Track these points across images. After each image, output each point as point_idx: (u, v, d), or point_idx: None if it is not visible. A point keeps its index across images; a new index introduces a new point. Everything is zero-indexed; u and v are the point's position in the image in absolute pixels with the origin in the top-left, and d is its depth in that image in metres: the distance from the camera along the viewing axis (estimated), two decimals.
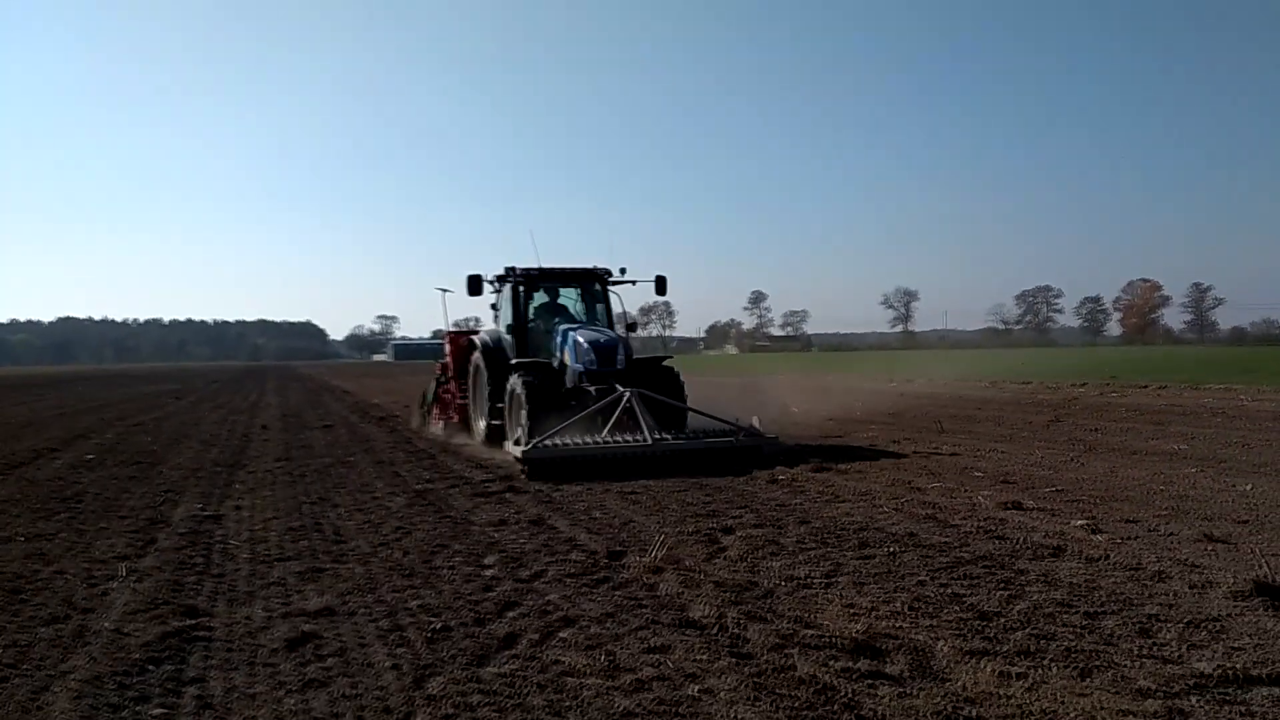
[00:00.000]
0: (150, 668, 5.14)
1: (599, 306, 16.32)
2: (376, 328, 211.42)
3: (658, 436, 12.17)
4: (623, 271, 16.13)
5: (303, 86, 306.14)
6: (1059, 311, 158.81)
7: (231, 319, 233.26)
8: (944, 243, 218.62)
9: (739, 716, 4.32)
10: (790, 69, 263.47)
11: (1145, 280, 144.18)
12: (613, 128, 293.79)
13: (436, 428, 18.49)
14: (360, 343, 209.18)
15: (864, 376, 41.35)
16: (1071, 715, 4.20)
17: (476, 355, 16.14)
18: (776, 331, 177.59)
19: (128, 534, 8.85)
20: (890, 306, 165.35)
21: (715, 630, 5.56)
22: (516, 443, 12.13)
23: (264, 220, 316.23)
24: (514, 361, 14.71)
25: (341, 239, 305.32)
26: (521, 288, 15.89)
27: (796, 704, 4.44)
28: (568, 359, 14.28)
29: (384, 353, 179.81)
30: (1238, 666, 4.68)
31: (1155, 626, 5.45)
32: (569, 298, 16.70)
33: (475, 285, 15.84)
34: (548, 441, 11.81)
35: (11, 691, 4.79)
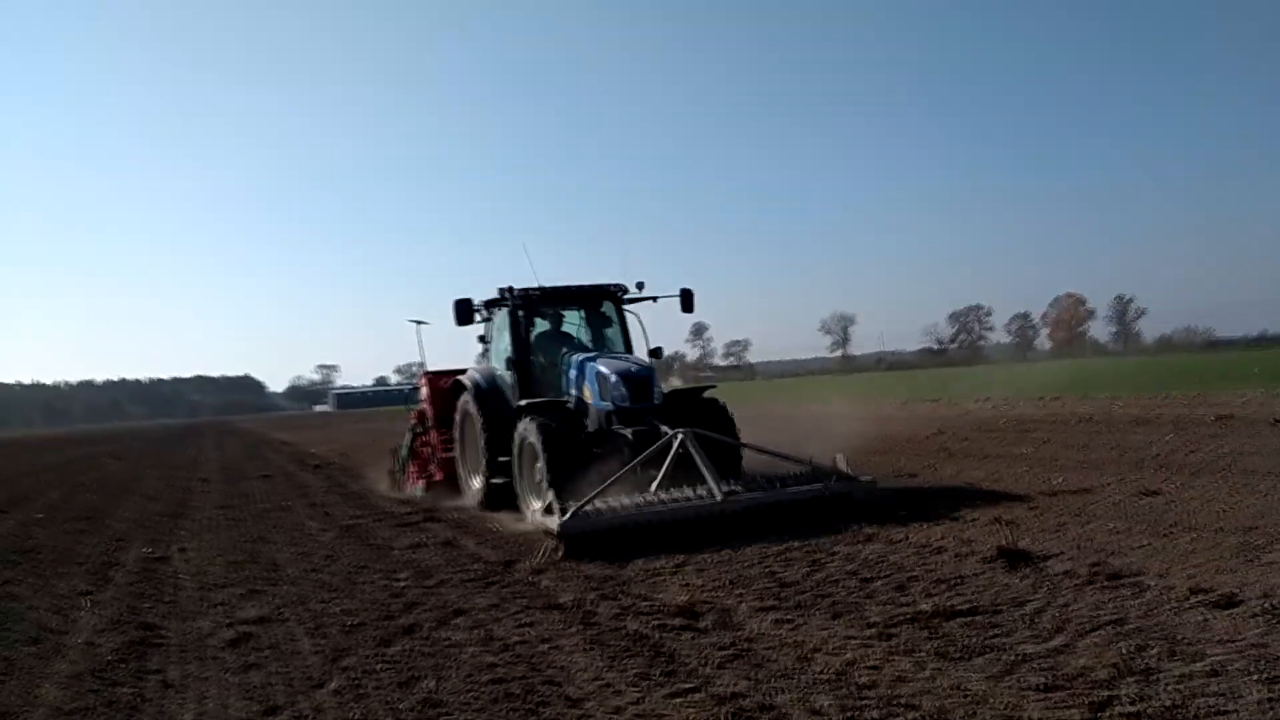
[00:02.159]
0: (119, 665, 6.48)
1: (608, 331, 13.61)
2: (317, 377, 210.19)
3: (728, 489, 9.59)
4: (640, 287, 13.22)
5: (233, 132, 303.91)
6: (990, 329, 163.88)
7: (167, 376, 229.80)
8: (876, 267, 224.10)
9: (575, 661, 5.82)
10: (716, 100, 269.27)
11: (1070, 294, 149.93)
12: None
13: (414, 489, 15.31)
14: (301, 394, 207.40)
15: (874, 401, 42.84)
16: (813, 643, 5.77)
17: (466, 399, 13.16)
18: (719, 362, 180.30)
19: (85, 575, 10.05)
20: (828, 332, 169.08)
21: (574, 609, 7.07)
22: (549, 511, 9.19)
23: (198, 272, 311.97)
24: (524, 403, 11.82)
25: (278, 287, 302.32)
26: (521, 312, 12.97)
27: (619, 648, 5.97)
28: (589, 396, 11.68)
29: (325, 403, 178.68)
30: (948, 606, 6.30)
31: (910, 584, 7.07)
32: (571, 324, 13.77)
33: (465, 311, 12.89)
34: (589, 507, 9.15)
35: (11, 688, 6.10)
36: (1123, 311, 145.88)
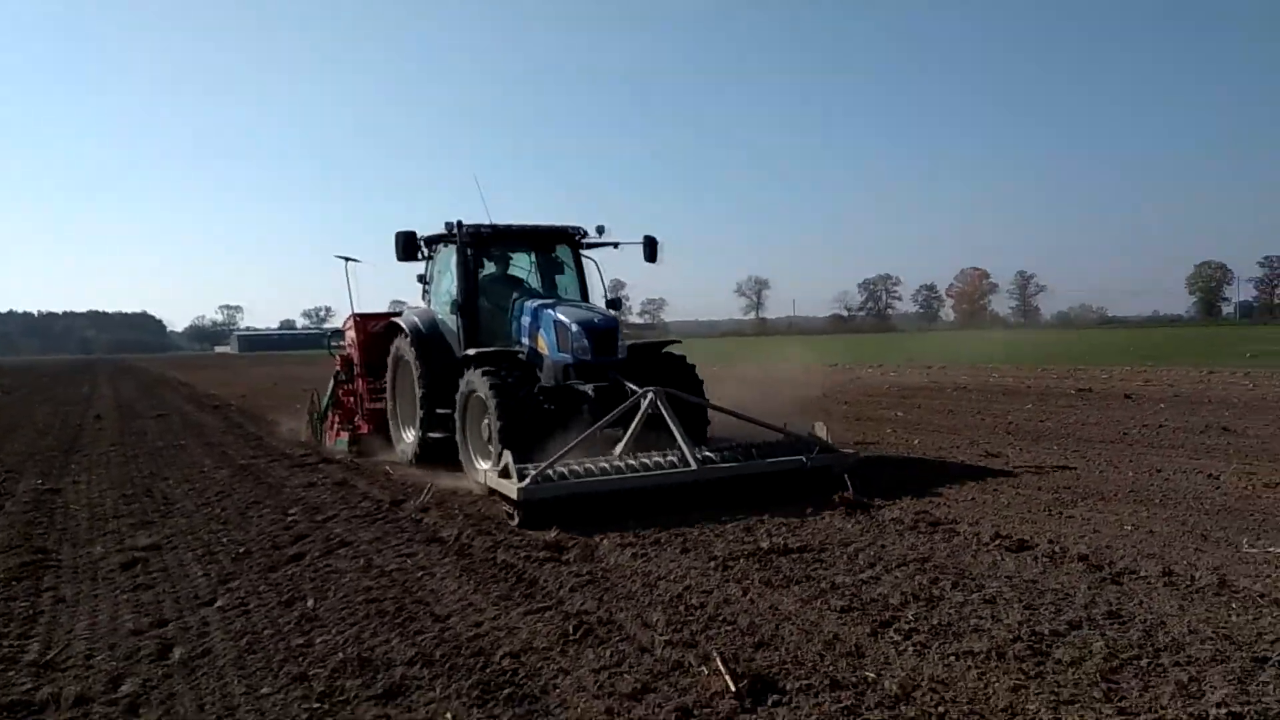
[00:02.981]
0: (14, 583, 6.86)
1: (560, 277, 12.52)
2: (220, 318, 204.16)
3: (702, 457, 8.80)
4: (600, 231, 12.16)
5: (133, 51, 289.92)
6: (898, 299, 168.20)
7: (59, 310, 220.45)
8: (791, 233, 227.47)
9: (445, 586, 6.43)
10: (646, 60, 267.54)
11: (975, 268, 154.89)
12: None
13: (337, 442, 14.15)
14: (202, 334, 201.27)
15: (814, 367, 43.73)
16: (659, 573, 6.48)
17: (402, 345, 12.07)
18: (635, 320, 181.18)
19: None
20: (743, 294, 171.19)
21: (452, 543, 7.66)
22: (505, 474, 8.26)
23: (96, 203, 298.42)
24: (472, 352, 10.57)
25: (181, 221, 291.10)
26: (470, 251, 11.64)
27: (487, 575, 6.60)
28: (544, 347, 10.62)
29: (227, 344, 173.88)
30: (784, 544, 7.08)
31: (756, 526, 7.84)
32: (520, 267, 12.64)
33: (409, 245, 11.86)
34: (552, 471, 8.23)
35: None
36: (1024, 287, 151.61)
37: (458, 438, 10.73)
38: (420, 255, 12.30)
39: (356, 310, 13.91)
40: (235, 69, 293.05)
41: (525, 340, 11.03)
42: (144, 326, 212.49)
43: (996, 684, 4.39)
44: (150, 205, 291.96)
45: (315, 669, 4.92)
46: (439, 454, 11.26)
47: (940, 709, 4.15)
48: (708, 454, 8.98)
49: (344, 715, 4.34)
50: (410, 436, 12.15)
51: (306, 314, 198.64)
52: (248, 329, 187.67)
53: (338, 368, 14.61)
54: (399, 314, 12.98)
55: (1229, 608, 5.37)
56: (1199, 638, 4.88)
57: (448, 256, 12.14)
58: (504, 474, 8.30)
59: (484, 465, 9.84)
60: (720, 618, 5.48)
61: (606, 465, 8.59)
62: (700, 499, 8.53)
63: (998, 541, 6.98)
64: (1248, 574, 5.99)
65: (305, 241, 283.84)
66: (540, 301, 11.18)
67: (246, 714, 4.42)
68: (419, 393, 11.48)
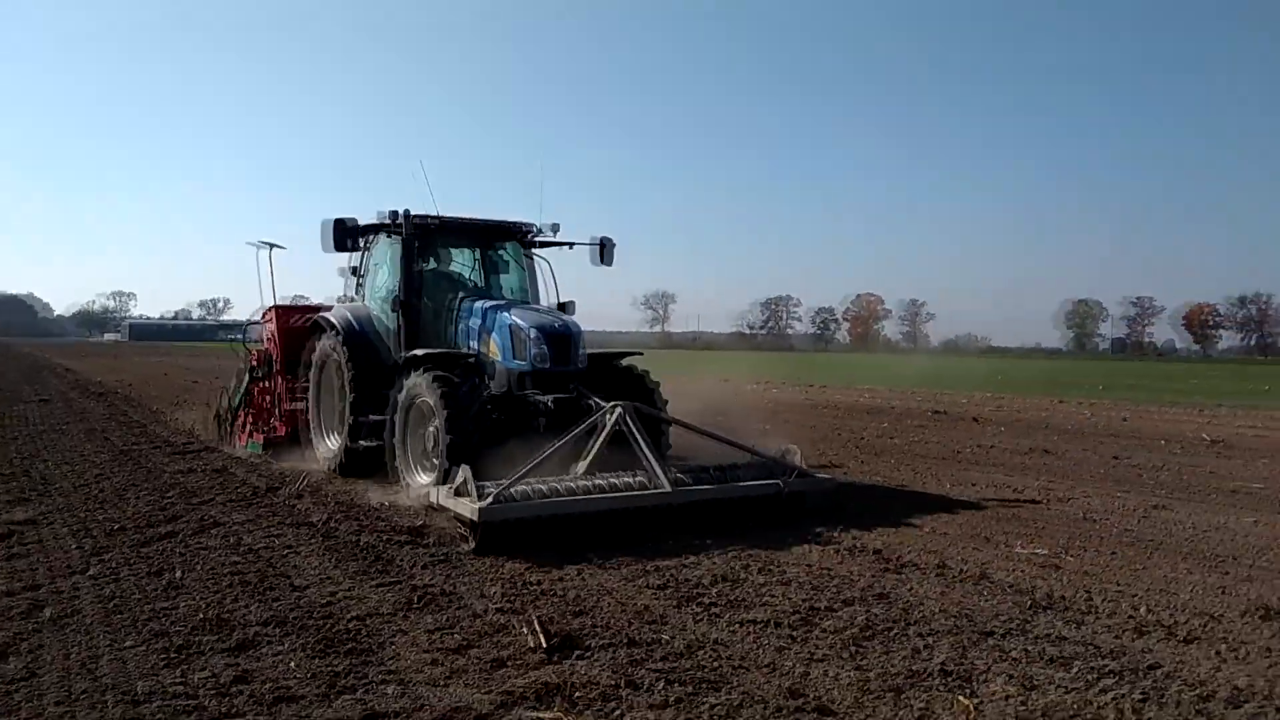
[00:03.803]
0: None
1: (503, 277, 11.75)
2: (110, 304, 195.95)
3: (674, 479, 8.20)
4: (555, 229, 11.38)
5: (27, 42, 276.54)
6: (797, 319, 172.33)
7: None
8: (695, 249, 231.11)
9: (308, 562, 7.02)
10: (547, 75, 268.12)
11: (869, 294, 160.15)
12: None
13: (248, 444, 13.05)
14: (89, 320, 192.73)
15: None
16: (508, 555, 7.19)
17: (330, 343, 11.14)
18: None
19: None
20: (649, 308, 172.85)
21: (319, 526, 8.23)
22: (459, 492, 7.49)
23: None
24: (419, 353, 9.75)
25: (71, 199, 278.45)
26: (416, 243, 10.74)
27: (348, 554, 7.22)
28: (494, 352, 9.93)
29: (117, 332, 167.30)
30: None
31: None
32: (462, 264, 11.89)
33: (345, 234, 10.56)
34: (514, 490, 7.51)
35: None
36: (915, 314, 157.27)
37: (394, 448, 9.77)
38: (354, 246, 11.16)
39: (275, 302, 12.95)
40: (127, 41, 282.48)
41: (472, 344, 10.29)
42: (24, 308, 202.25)
43: (766, 645, 5.25)
44: (39, 183, 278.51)
45: (176, 627, 5.48)
46: (365, 465, 10.43)
47: (715, 663, 4.97)
48: (679, 475, 8.32)
49: (197, 664, 4.91)
50: (334, 444, 11.15)
51: (203, 304, 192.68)
52: (140, 317, 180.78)
53: (252, 363, 13.32)
54: (326, 308, 12.13)
55: (980, 594, 6.36)
56: (946, 615, 5.83)
57: (385, 248, 11.27)
58: (460, 491, 7.46)
59: (424, 479, 9.24)
60: (552, 593, 6.23)
61: (572, 485, 7.88)
62: (673, 523, 7.95)
63: (808, 537, 7.91)
64: (1007, 569, 7.02)
65: (203, 229, 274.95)
66: (491, 302, 10.46)
67: (108, 662, 4.95)
68: (348, 397, 10.55)
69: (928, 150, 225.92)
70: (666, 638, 5.34)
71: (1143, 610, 5.94)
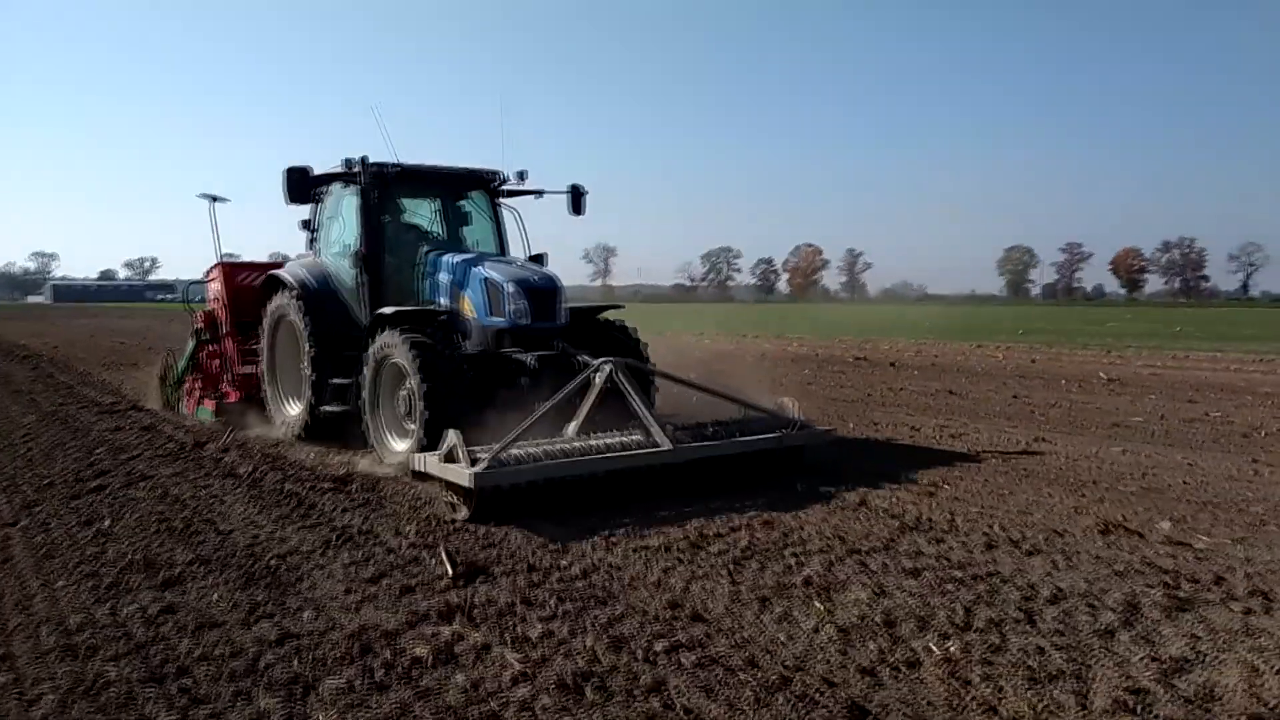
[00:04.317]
0: None
1: (466, 229, 11.16)
2: (31, 265, 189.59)
3: (674, 435, 7.80)
4: (522, 177, 10.79)
5: None
6: (738, 271, 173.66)
7: None
8: (637, 202, 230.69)
9: (234, 510, 7.38)
10: (490, 29, 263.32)
11: (809, 245, 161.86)
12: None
13: (198, 411, 12.41)
14: (11, 282, 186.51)
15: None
16: (426, 497, 7.63)
17: (285, 302, 10.51)
18: None
19: None
20: (590, 261, 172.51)
21: (246, 477, 8.58)
22: (449, 457, 7.01)
23: None
24: (388, 310, 9.22)
25: None
26: (376, 193, 10.08)
27: (272, 502, 7.60)
28: (468, 309, 9.43)
29: (40, 294, 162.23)
30: None
31: None
32: (421, 215, 11.31)
33: (302, 184, 10.09)
34: (506, 454, 7.01)
35: None
36: (853, 264, 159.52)
37: (364, 412, 9.24)
38: (313, 197, 10.72)
39: (222, 259, 12.26)
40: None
41: (443, 300, 9.72)
42: None
43: (655, 567, 5.79)
44: None
45: (105, 569, 5.84)
46: (331, 430, 10.01)
47: (606, 583, 5.50)
48: (678, 433, 7.93)
49: (126, 599, 5.29)
50: (294, 410, 10.68)
51: (129, 264, 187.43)
52: (63, 278, 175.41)
53: (198, 324, 12.60)
54: (278, 265, 11.56)
55: (857, 518, 6.98)
56: (821, 537, 6.43)
57: (340, 199, 10.64)
58: (450, 457, 7.00)
59: (399, 445, 8.87)
60: (463, 529, 6.71)
61: (567, 447, 7.43)
62: (674, 482, 7.72)
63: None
64: (884, 497, 7.65)
65: (129, 184, 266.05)
66: (463, 256, 9.85)
67: (41, 601, 5.31)
68: (307, 359, 10.03)
69: (866, 102, 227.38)
70: (565, 564, 5.86)
71: (996, 528, 6.61)
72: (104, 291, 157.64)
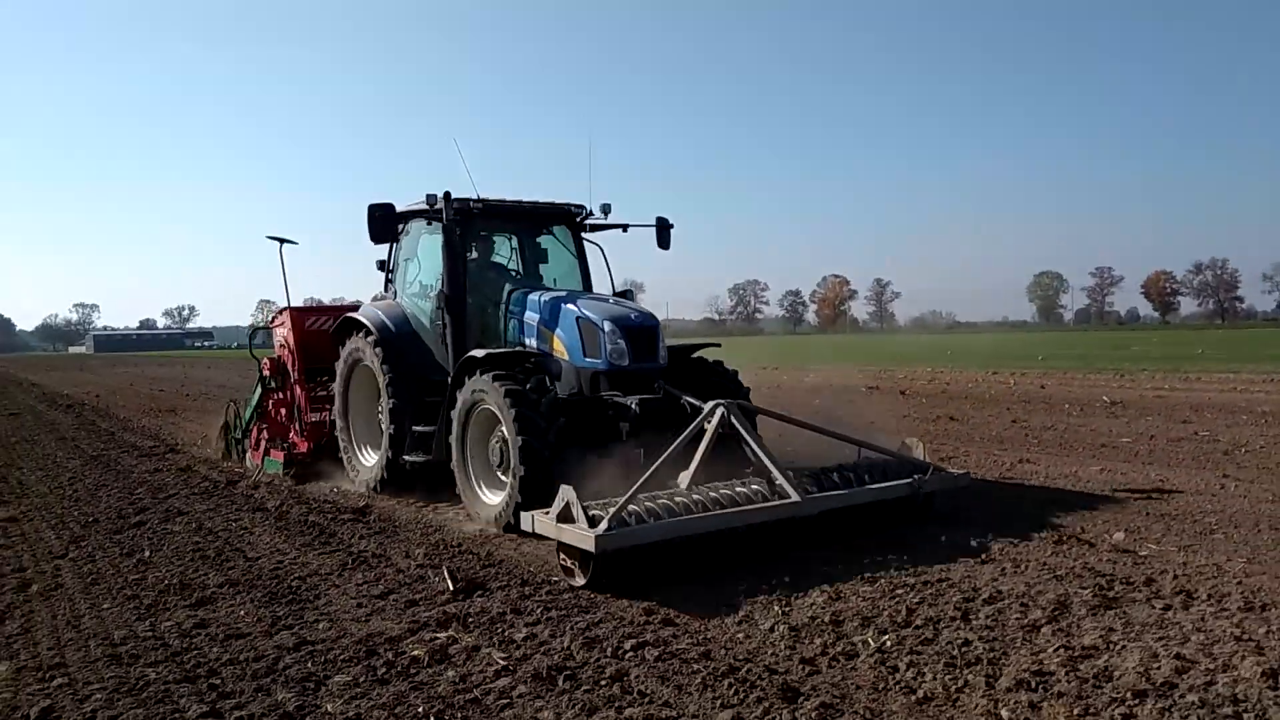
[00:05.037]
0: None
1: (544, 266, 10.65)
2: (74, 317, 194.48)
3: (807, 488, 7.15)
4: (606, 211, 10.26)
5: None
6: (766, 303, 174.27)
7: None
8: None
9: (261, 539, 8.07)
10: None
11: (836, 276, 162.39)
12: None
13: (266, 463, 11.88)
14: (54, 334, 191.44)
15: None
16: (438, 523, 8.27)
17: (362, 345, 10.11)
18: None
19: None
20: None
21: (273, 511, 9.28)
22: (564, 517, 6.30)
23: None
24: (480, 353, 8.59)
25: (30, 210, 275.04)
26: (459, 230, 9.54)
27: (296, 531, 8.28)
28: (560, 349, 8.88)
29: (82, 344, 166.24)
30: None
31: None
32: (500, 252, 10.74)
33: (387, 223, 9.48)
34: (626, 512, 6.30)
35: None
36: (880, 294, 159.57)
37: (452, 463, 8.72)
38: (395, 235, 10.10)
39: (290, 304, 12.03)
40: (83, 43, 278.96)
41: (530, 340, 9.21)
42: None
43: (637, 579, 6.36)
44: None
45: (145, 593, 6.52)
46: (413, 481, 9.66)
47: (591, 596, 6.08)
48: (800, 480, 7.20)
49: (164, 617, 5.95)
50: (371, 459, 10.28)
51: (168, 313, 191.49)
52: (104, 328, 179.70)
53: (265, 371, 12.13)
54: (350, 308, 11.15)
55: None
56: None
57: (419, 238, 10.33)
58: (564, 516, 6.32)
59: (492, 499, 8.34)
60: (466, 550, 7.34)
61: (687, 501, 6.68)
62: (800, 536, 7.11)
63: None
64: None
65: (166, 234, 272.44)
66: (552, 294, 9.36)
67: (89, 620, 5.99)
68: (388, 405, 9.65)
69: (894, 135, 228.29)
70: (555, 579, 6.46)
71: (957, 538, 7.12)
72: (144, 340, 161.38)
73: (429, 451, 9.23)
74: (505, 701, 4.43)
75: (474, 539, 7.75)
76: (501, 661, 4.89)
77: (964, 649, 4.86)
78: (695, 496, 6.78)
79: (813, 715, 4.15)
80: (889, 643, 4.96)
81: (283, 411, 11.96)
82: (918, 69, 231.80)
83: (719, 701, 4.32)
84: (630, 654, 4.96)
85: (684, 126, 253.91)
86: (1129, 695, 4.22)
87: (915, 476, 7.71)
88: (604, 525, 6.03)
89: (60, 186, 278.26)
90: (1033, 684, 4.38)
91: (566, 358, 8.83)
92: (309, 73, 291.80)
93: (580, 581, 6.26)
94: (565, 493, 6.33)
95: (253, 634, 5.54)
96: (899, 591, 5.86)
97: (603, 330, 8.53)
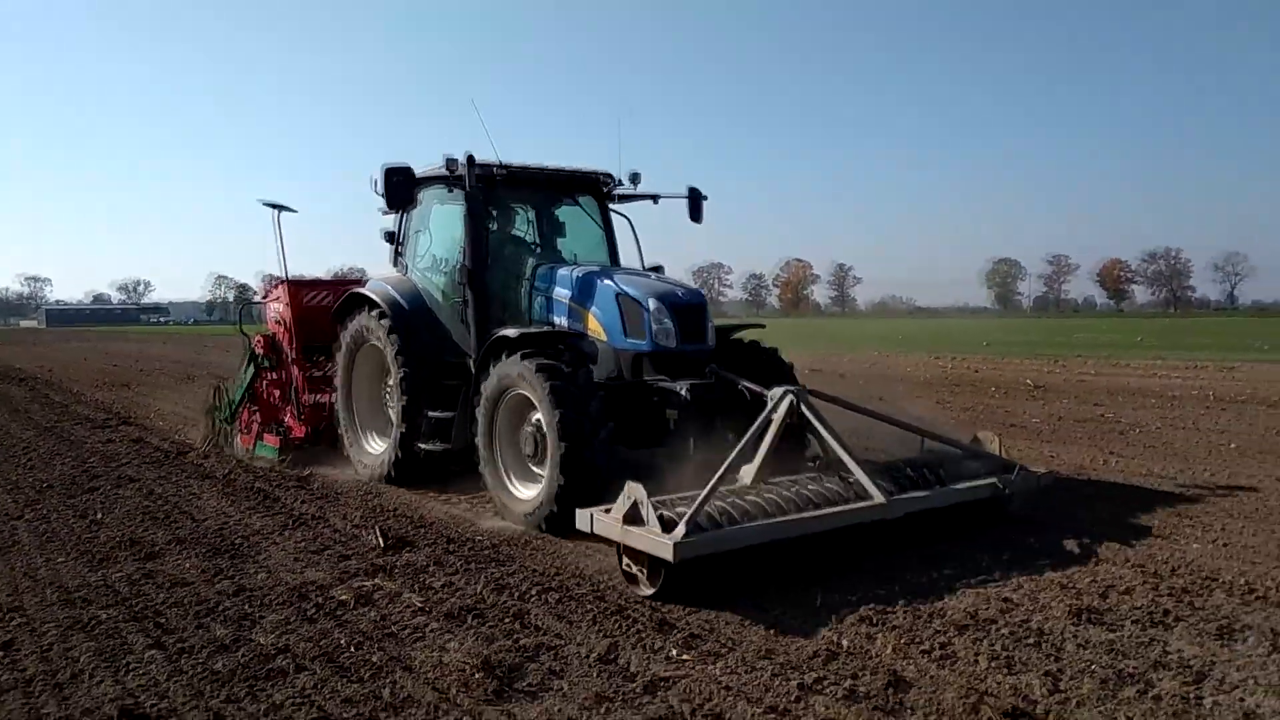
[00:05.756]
0: None
1: (572, 240, 9.80)
2: (24, 290, 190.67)
3: (889, 489, 6.45)
4: (635, 180, 9.48)
5: None
6: (729, 286, 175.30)
7: None
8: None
9: (208, 503, 8.59)
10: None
11: (798, 260, 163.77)
12: None
13: (256, 448, 11.02)
14: (3, 307, 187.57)
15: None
16: (376, 491, 8.84)
17: (369, 322, 9.43)
18: None
19: None
20: None
21: (221, 478, 9.78)
22: (632, 518, 5.68)
23: None
24: (510, 333, 7.82)
25: None
26: (481, 198, 8.85)
27: (243, 497, 8.82)
28: (598, 330, 8.15)
29: (34, 319, 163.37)
30: None
31: None
32: (521, 225, 9.74)
33: (404, 187, 8.77)
34: (701, 515, 5.61)
35: None
36: (842, 278, 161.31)
37: (479, 454, 8.01)
38: (410, 202, 9.35)
39: (287, 275, 10.96)
40: (46, 16, 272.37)
41: (560, 319, 8.43)
42: None
43: (547, 537, 6.99)
44: None
45: (97, 548, 7.03)
46: (428, 472, 9.01)
47: (510, 551, 6.70)
48: (880, 480, 6.48)
49: (114, 569, 6.48)
50: (378, 447, 9.67)
51: (122, 287, 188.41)
52: (56, 303, 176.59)
53: (257, 349, 11.17)
54: (354, 282, 10.57)
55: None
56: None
57: (432, 207, 9.50)
58: (631, 518, 5.71)
59: (525, 492, 7.64)
60: (402, 514, 7.93)
61: (758, 500, 6.04)
62: (878, 541, 6.48)
63: None
64: None
65: (114, 203, 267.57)
66: (585, 268, 8.56)
67: (44, 572, 6.49)
68: (400, 390, 8.92)
69: (857, 121, 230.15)
70: (479, 537, 7.08)
71: None
72: (97, 315, 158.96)
73: (447, 440, 8.63)
74: (418, 636, 5.05)
75: (408, 503, 8.34)
76: (419, 604, 5.51)
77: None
78: (768, 495, 6.13)
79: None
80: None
81: (276, 393, 11.20)
82: (880, 54, 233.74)
83: (601, 632, 4.97)
84: (534, 597, 5.60)
85: (646, 104, 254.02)
86: (952, 629, 4.93)
87: (999, 476, 7.09)
88: (681, 530, 5.36)
89: (6, 149, 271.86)
90: None
91: (604, 338, 8.08)
92: (269, 40, 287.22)
93: (647, 591, 5.63)
94: (633, 490, 5.70)
95: (196, 583, 6.09)
96: None
97: (647, 308, 7.80)
